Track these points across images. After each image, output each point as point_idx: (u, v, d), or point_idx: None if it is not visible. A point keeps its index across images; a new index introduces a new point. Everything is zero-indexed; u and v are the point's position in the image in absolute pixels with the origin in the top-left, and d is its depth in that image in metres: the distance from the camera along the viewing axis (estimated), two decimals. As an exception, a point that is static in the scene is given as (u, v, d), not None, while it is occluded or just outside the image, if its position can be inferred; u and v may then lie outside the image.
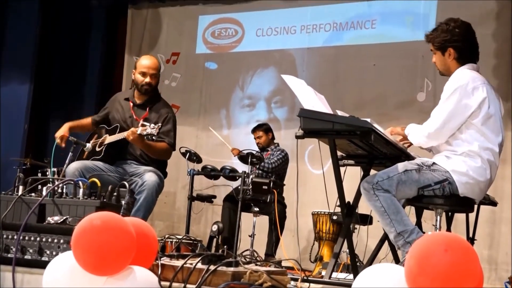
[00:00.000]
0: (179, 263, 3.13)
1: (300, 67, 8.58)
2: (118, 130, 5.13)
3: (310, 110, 3.73)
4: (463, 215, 5.44)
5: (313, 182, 7.41)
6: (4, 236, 3.34)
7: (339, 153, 4.24)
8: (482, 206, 5.44)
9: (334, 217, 6.16)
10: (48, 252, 3.24)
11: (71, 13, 9.35)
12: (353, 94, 8.07)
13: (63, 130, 5.26)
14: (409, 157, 4.12)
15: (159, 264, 3.08)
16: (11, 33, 8.95)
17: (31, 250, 3.27)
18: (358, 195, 4.22)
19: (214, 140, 8.80)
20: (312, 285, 3.65)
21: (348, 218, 4.16)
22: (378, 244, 4.55)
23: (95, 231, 2.46)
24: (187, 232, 6.43)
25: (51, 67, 9.35)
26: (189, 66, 9.35)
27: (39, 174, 6.62)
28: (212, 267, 2.97)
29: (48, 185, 3.66)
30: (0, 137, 8.47)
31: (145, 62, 5.34)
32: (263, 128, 7.65)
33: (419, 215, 4.61)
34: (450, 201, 3.84)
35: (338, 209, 4.50)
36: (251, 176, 6.24)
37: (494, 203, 5.59)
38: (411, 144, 4.21)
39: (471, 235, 5.66)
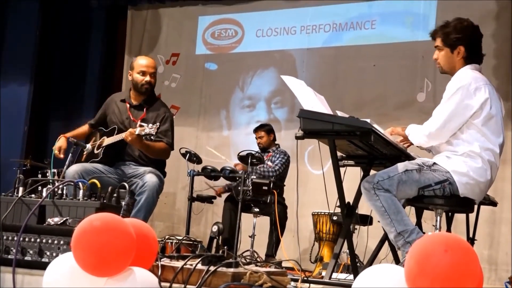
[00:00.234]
0: (179, 264, 3.13)
1: (300, 68, 8.58)
2: (116, 132, 5.13)
3: (310, 111, 3.73)
4: (463, 215, 5.44)
5: (313, 183, 7.41)
6: (4, 237, 3.34)
7: (339, 154, 4.24)
8: (482, 206, 5.45)
9: (334, 218, 6.16)
10: (48, 253, 3.24)
11: (71, 14, 9.36)
12: (353, 94, 8.07)
13: (61, 142, 5.23)
14: (409, 158, 4.12)
15: (159, 265, 3.08)
16: (11, 34, 8.95)
17: (31, 251, 3.28)
18: (358, 196, 4.22)
19: (213, 141, 8.81)
20: (312, 285, 3.65)
21: (348, 218, 4.16)
22: (378, 244, 4.55)
23: (95, 232, 2.47)
24: (187, 233, 6.44)
25: (51, 68, 9.36)
26: (189, 67, 9.34)
27: (39, 175, 6.63)
28: (212, 268, 2.97)
29: (48, 186, 3.66)
30: (0, 138, 8.46)
31: (143, 61, 5.34)
32: (265, 129, 7.64)
33: (419, 216, 4.61)
34: (450, 201, 3.84)
35: (338, 210, 4.50)
36: (251, 177, 6.23)
37: (494, 203, 5.59)
38: (410, 144, 4.21)
39: (471, 235, 5.66)
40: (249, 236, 6.47)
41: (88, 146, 5.20)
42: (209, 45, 9.30)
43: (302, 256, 6.64)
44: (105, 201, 3.53)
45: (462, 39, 3.94)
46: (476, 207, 4.84)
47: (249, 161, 6.39)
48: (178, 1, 9.23)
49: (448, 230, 4.84)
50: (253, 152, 6.57)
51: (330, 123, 3.67)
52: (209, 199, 7.33)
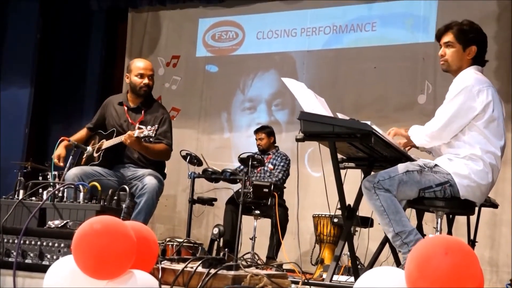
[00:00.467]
0: (179, 266, 3.13)
1: (300, 70, 8.59)
2: (114, 135, 5.12)
3: (310, 113, 3.73)
4: (464, 217, 5.44)
5: (314, 185, 7.40)
6: (5, 240, 3.34)
7: (339, 156, 4.24)
8: (483, 208, 5.45)
9: (335, 220, 6.15)
10: (48, 256, 3.24)
11: (71, 16, 9.36)
12: (353, 96, 8.08)
13: (59, 150, 5.22)
14: (410, 160, 4.11)
15: (160, 267, 3.08)
16: (12, 37, 8.95)
17: (31, 254, 3.27)
18: (358, 198, 4.21)
19: (214, 143, 8.81)
20: (312, 288, 3.64)
21: (348, 220, 4.15)
22: (379, 247, 4.55)
23: (95, 235, 2.47)
24: (188, 235, 6.44)
25: (51, 71, 9.36)
26: (190, 69, 9.35)
27: (40, 178, 6.64)
28: (212, 271, 2.97)
29: (49, 189, 3.66)
30: (0, 141, 8.46)
31: (141, 64, 5.33)
32: (266, 131, 7.64)
33: (420, 217, 4.61)
34: (451, 203, 3.83)
35: (339, 212, 4.49)
36: (252, 179, 6.24)
37: (495, 205, 5.59)
38: (411, 147, 4.21)
39: (472, 237, 5.65)
40: (250, 239, 6.47)
41: (89, 148, 5.20)
42: (209, 47, 9.30)
43: (303, 258, 6.64)
44: (105, 203, 3.53)
45: (476, 39, 3.93)
46: (477, 209, 4.84)
47: (250, 163, 6.40)
48: (178, 3, 9.22)
49: (449, 232, 4.83)
50: (254, 155, 6.58)
51: (330, 125, 3.66)
52: (209, 202, 7.32)
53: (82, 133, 5.51)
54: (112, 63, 9.64)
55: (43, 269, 2.77)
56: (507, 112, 5.05)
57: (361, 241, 5.81)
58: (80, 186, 3.60)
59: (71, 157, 5.06)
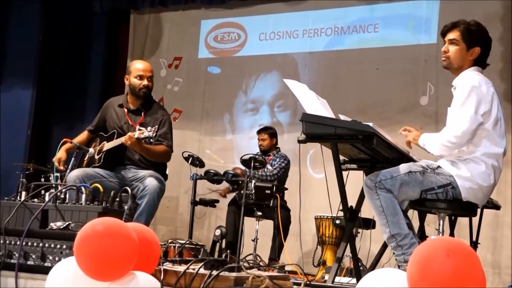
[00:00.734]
0: (181, 268, 3.13)
1: (302, 71, 8.59)
2: (115, 137, 5.13)
3: (312, 115, 3.73)
4: (466, 219, 5.43)
5: (316, 186, 7.40)
6: (7, 241, 3.35)
7: (341, 157, 4.24)
8: (485, 210, 5.44)
9: (337, 221, 6.15)
10: (50, 257, 3.25)
11: (73, 18, 9.36)
12: (355, 98, 8.07)
13: (60, 153, 5.23)
14: (411, 161, 4.10)
15: (162, 269, 3.08)
16: (14, 39, 8.95)
17: (33, 256, 3.28)
18: (361, 199, 4.21)
19: (216, 145, 8.81)
20: (315, 289, 3.64)
21: (350, 222, 4.15)
22: (381, 248, 4.55)
23: (97, 237, 2.47)
24: (190, 237, 6.44)
25: (53, 73, 9.36)
26: (192, 70, 9.35)
27: (42, 180, 6.63)
28: (214, 272, 2.97)
29: (51, 190, 3.66)
30: (2, 143, 8.47)
31: (140, 65, 5.32)
32: (269, 132, 7.64)
33: (422, 219, 4.61)
34: (453, 205, 3.82)
35: (341, 213, 4.49)
36: (253, 181, 6.24)
37: (497, 207, 5.58)
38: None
39: (474, 239, 5.65)
40: (252, 240, 6.47)
41: (91, 150, 5.20)
42: (211, 48, 9.31)
43: (305, 260, 6.64)
44: (107, 205, 3.54)
45: (481, 41, 3.92)
46: (479, 210, 4.83)
47: (252, 164, 6.40)
48: (180, 5, 9.22)
49: (451, 234, 4.83)
50: (256, 156, 6.58)
51: (332, 127, 3.66)
52: (212, 203, 7.32)
53: (83, 135, 5.51)
54: (114, 65, 9.64)
55: (45, 270, 2.78)
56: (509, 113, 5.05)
57: (363, 242, 5.81)
58: (82, 188, 3.61)
59: (73, 158, 5.06)
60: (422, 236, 4.53)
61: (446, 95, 3.99)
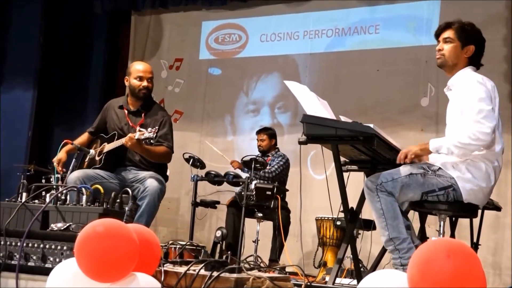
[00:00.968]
0: (182, 269, 3.13)
1: (303, 73, 8.59)
2: (116, 138, 5.14)
3: (313, 116, 3.73)
4: (467, 220, 5.43)
5: (316, 188, 7.40)
6: (8, 243, 3.35)
7: (342, 159, 4.24)
8: (486, 211, 5.44)
9: (338, 223, 6.15)
10: (51, 259, 3.25)
11: (74, 20, 9.37)
12: (356, 99, 8.07)
13: (60, 154, 5.22)
14: (412, 162, 4.09)
15: (162, 270, 3.08)
16: (14, 40, 8.95)
17: (34, 257, 3.28)
18: (361, 201, 4.21)
19: (217, 146, 8.81)
20: (315, 291, 3.64)
21: (351, 223, 4.15)
22: (381, 249, 4.54)
23: (98, 238, 2.47)
24: (190, 238, 6.44)
25: (54, 74, 9.37)
26: (193, 72, 9.35)
27: (43, 181, 6.64)
28: (215, 274, 2.97)
29: (52, 192, 3.67)
30: (3, 144, 8.47)
31: (140, 67, 5.33)
32: (268, 133, 7.64)
33: (422, 220, 4.60)
34: (454, 206, 3.82)
35: (342, 215, 4.49)
36: (254, 182, 6.24)
37: (498, 208, 5.57)
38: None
39: (475, 240, 5.64)
40: (253, 241, 6.47)
41: (92, 151, 5.20)
42: (212, 50, 9.31)
43: (305, 261, 6.64)
44: (108, 206, 3.54)
45: (475, 39, 3.93)
46: (480, 212, 4.83)
47: (253, 166, 6.40)
48: (181, 6, 9.23)
49: (452, 235, 4.83)
50: (257, 158, 6.58)
51: (333, 128, 3.66)
52: (212, 204, 7.32)
53: (84, 137, 5.51)
54: (114, 66, 9.64)
55: (46, 271, 2.78)
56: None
57: (363, 244, 5.81)
58: (83, 189, 3.61)
59: (74, 160, 5.06)
60: (422, 237, 4.53)
61: (447, 97, 3.98)
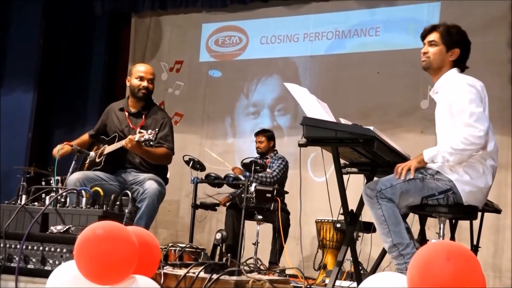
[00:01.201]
0: (181, 272, 3.13)
1: (303, 75, 8.59)
2: (116, 140, 5.14)
3: (313, 118, 3.73)
4: (467, 223, 5.42)
5: (316, 190, 7.40)
6: (7, 245, 3.35)
7: (342, 161, 4.23)
8: (486, 213, 5.43)
9: (338, 225, 6.14)
10: (51, 261, 3.25)
11: (74, 22, 9.37)
12: (356, 102, 8.06)
13: (62, 146, 5.21)
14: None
15: (162, 273, 3.08)
16: (15, 41, 8.95)
17: (34, 260, 3.28)
18: (361, 203, 4.20)
19: (217, 148, 8.81)
20: (315, 293, 3.64)
21: (351, 226, 4.15)
22: (381, 252, 4.54)
23: (97, 241, 2.47)
24: (190, 241, 6.44)
25: (54, 76, 9.36)
26: (193, 74, 9.35)
27: (43, 183, 6.64)
28: (214, 276, 2.97)
29: (51, 194, 3.66)
30: (3, 146, 8.47)
31: (141, 68, 5.39)
32: (267, 135, 7.63)
33: (422, 223, 4.60)
34: (454, 209, 3.82)
35: (342, 217, 4.49)
36: (254, 184, 6.23)
37: (498, 211, 5.57)
38: None
39: (475, 242, 5.64)
40: (253, 244, 6.46)
41: (92, 153, 5.21)
42: (212, 52, 9.30)
43: (305, 264, 6.63)
44: (108, 209, 3.54)
45: (460, 42, 3.95)
46: (480, 214, 4.83)
47: (253, 168, 6.39)
48: (181, 8, 9.22)
49: (452, 237, 4.82)
50: (258, 160, 6.58)
51: (333, 131, 3.66)
52: (212, 207, 7.32)
53: (84, 138, 5.52)
54: (115, 68, 9.64)
55: (45, 274, 2.78)
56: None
57: (363, 246, 5.80)
58: (83, 192, 3.61)
59: (74, 162, 5.07)
60: (422, 239, 4.53)
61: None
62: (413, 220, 4.32)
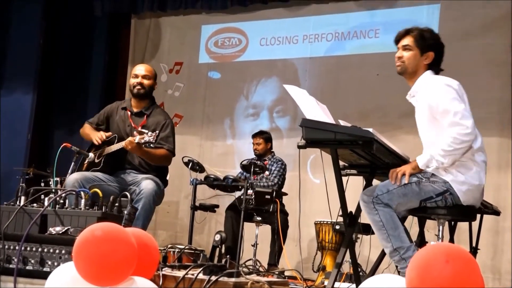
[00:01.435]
0: (180, 273, 3.13)
1: (303, 77, 8.59)
2: (116, 141, 5.14)
3: (312, 120, 3.73)
4: (466, 224, 5.42)
5: (316, 191, 7.39)
6: (6, 246, 3.35)
7: (341, 163, 4.23)
8: (485, 215, 5.43)
9: (337, 227, 6.14)
10: (49, 262, 3.25)
11: (74, 23, 9.37)
12: (355, 103, 8.06)
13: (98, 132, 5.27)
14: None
15: (161, 274, 3.08)
16: (14, 42, 8.95)
17: (32, 261, 3.28)
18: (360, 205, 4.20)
19: (217, 150, 8.81)
20: (314, 295, 3.64)
21: (350, 227, 4.14)
22: (380, 254, 4.54)
23: (96, 242, 2.47)
24: (190, 242, 6.44)
25: (54, 77, 9.36)
26: (192, 75, 9.35)
27: (42, 184, 6.64)
28: (213, 278, 2.97)
29: (50, 195, 3.67)
30: (3, 147, 8.47)
31: (138, 67, 5.48)
32: (264, 136, 7.63)
33: (421, 225, 4.60)
34: (453, 211, 3.82)
35: (341, 219, 4.48)
36: (254, 186, 6.23)
37: (497, 212, 5.57)
38: None
39: (474, 244, 5.64)
40: (252, 245, 6.46)
41: (91, 155, 5.21)
42: (212, 53, 9.31)
43: (304, 265, 6.63)
44: (106, 210, 3.54)
45: (434, 46, 3.96)
46: (478, 216, 4.83)
47: (252, 169, 6.39)
48: (181, 9, 9.22)
49: (451, 239, 4.82)
50: (257, 162, 6.58)
51: (332, 133, 3.66)
52: (211, 208, 7.32)
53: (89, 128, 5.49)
54: (115, 68, 9.65)
55: (44, 275, 2.78)
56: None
57: (362, 248, 5.80)
58: (82, 193, 3.61)
59: (73, 163, 5.07)
60: (421, 242, 4.52)
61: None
62: (412, 222, 4.32)
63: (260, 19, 8.96)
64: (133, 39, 9.69)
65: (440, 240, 3.94)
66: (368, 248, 5.24)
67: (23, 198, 3.69)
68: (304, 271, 5.72)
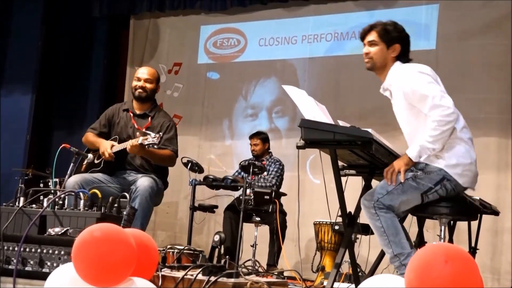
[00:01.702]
0: (179, 274, 3.13)
1: (302, 77, 8.58)
2: (117, 141, 5.14)
3: (311, 121, 3.73)
4: (465, 225, 5.42)
5: (315, 192, 7.39)
6: (5, 247, 3.35)
7: (340, 163, 4.23)
8: (484, 216, 5.43)
9: (336, 227, 6.14)
10: (48, 263, 3.25)
11: (73, 25, 9.37)
12: (355, 104, 8.05)
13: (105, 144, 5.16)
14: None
15: (160, 275, 3.08)
16: (14, 44, 8.96)
17: (31, 262, 3.28)
18: (359, 205, 4.20)
19: (216, 150, 8.81)
20: (313, 295, 3.64)
21: (349, 228, 4.14)
22: (379, 254, 4.53)
23: (95, 243, 2.47)
24: (189, 243, 6.43)
25: (53, 78, 9.37)
26: (191, 76, 9.35)
27: (41, 185, 6.63)
28: (212, 278, 2.97)
29: (49, 196, 3.67)
30: (2, 148, 8.47)
31: (142, 69, 5.47)
32: (261, 137, 7.62)
33: (421, 225, 4.60)
34: (455, 210, 3.81)
35: (340, 219, 4.48)
36: (253, 186, 6.23)
37: (496, 213, 5.56)
38: None
39: (473, 244, 5.63)
40: (251, 246, 6.46)
41: (90, 155, 5.20)
42: (211, 54, 9.31)
43: (303, 266, 6.63)
44: (106, 211, 3.54)
45: (399, 38, 3.99)
46: (478, 216, 4.83)
47: (251, 170, 6.39)
48: (179, 10, 9.22)
49: (450, 239, 4.82)
50: (256, 162, 6.58)
51: (331, 133, 3.66)
52: (211, 209, 7.32)
53: (92, 138, 5.42)
54: (114, 70, 9.65)
55: (43, 276, 2.78)
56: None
57: (361, 248, 5.80)
58: (81, 194, 3.61)
59: (72, 164, 5.05)
60: (420, 242, 4.53)
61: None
62: (411, 222, 4.32)
63: (259, 20, 8.96)
64: (132, 40, 9.69)
65: (441, 240, 3.93)
66: (367, 248, 5.24)
67: (22, 199, 3.69)
68: (303, 271, 5.71)
